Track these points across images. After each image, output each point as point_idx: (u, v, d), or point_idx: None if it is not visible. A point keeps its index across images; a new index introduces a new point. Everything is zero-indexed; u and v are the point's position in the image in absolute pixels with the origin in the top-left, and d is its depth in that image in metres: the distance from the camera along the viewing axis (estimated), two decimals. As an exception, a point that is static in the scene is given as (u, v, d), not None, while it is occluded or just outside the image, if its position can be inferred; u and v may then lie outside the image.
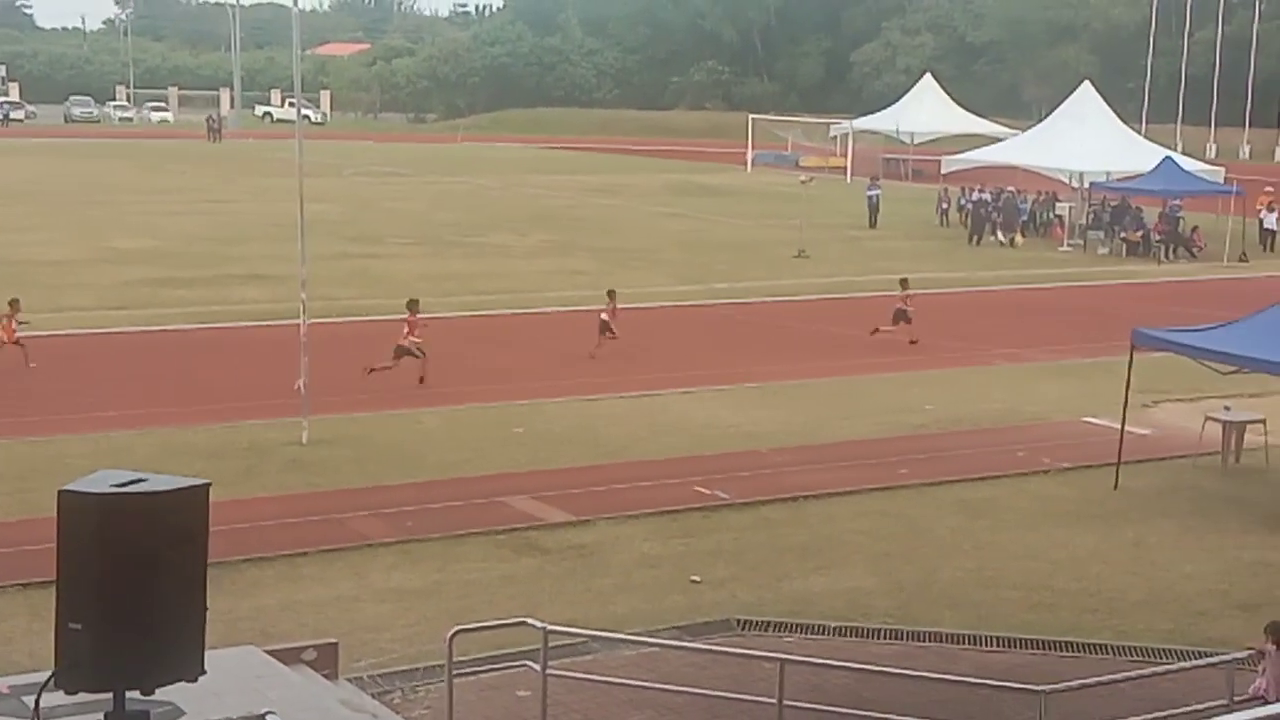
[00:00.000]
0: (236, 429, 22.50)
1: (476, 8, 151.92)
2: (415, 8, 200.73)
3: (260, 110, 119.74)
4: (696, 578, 16.72)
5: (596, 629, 14.40)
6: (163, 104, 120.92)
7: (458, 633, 12.14)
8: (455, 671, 12.16)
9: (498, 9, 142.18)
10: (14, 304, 26.61)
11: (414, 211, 54.58)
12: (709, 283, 38.47)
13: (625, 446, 22.31)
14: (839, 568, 17.31)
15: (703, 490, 20.00)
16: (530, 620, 12.05)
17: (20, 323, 26.56)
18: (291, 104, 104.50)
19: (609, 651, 14.41)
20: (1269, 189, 50.95)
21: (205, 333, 30.70)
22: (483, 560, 17.15)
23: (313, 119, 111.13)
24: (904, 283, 31.23)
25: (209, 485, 6.55)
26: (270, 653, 10.24)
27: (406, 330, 26.07)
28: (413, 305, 26.46)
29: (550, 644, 12.03)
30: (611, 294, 29.19)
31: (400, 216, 52.69)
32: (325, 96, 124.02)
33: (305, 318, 22.42)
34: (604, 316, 28.72)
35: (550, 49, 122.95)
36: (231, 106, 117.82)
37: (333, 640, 11.12)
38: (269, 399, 23.67)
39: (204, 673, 6.56)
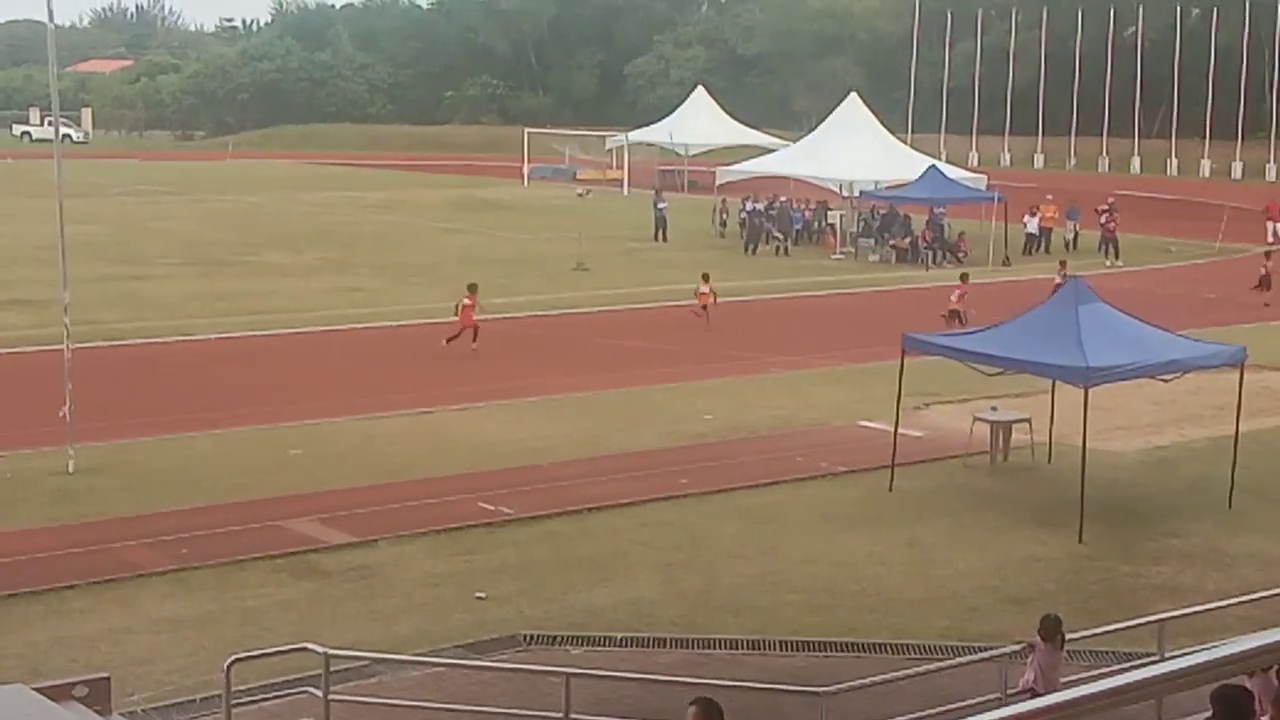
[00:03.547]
0: (-1, 460, 21.68)
1: (244, 22, 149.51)
2: (180, 22, 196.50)
3: (18, 129, 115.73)
4: (481, 594, 16.61)
5: (379, 651, 14.21)
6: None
7: (235, 661, 11.87)
8: (234, 701, 11.89)
9: (265, 24, 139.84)
10: None
11: (183, 231, 53.30)
12: (488, 297, 38.23)
13: (406, 465, 22.07)
14: (624, 579, 17.36)
15: (486, 506, 19.89)
16: (311, 645, 11.84)
17: None
18: (51, 123, 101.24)
19: (393, 673, 14.23)
20: (1049, 198, 52.65)
21: (-36, 361, 29.54)
22: (261, 586, 16.78)
23: (74, 138, 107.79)
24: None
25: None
26: (39, 690, 9.84)
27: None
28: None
29: (332, 668, 11.83)
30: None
31: (169, 236, 51.41)
32: (87, 114, 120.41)
33: (69, 343, 21.72)
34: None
35: (321, 64, 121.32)
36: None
37: (105, 675, 10.68)
38: (32, 428, 22.85)
39: (-34, 715, 6.26)
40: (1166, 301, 35.55)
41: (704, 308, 34.04)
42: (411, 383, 27.82)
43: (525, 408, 25.99)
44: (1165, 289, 38.19)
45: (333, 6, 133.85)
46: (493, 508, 19.83)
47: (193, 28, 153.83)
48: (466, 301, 30.85)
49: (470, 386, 27.37)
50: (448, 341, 30.47)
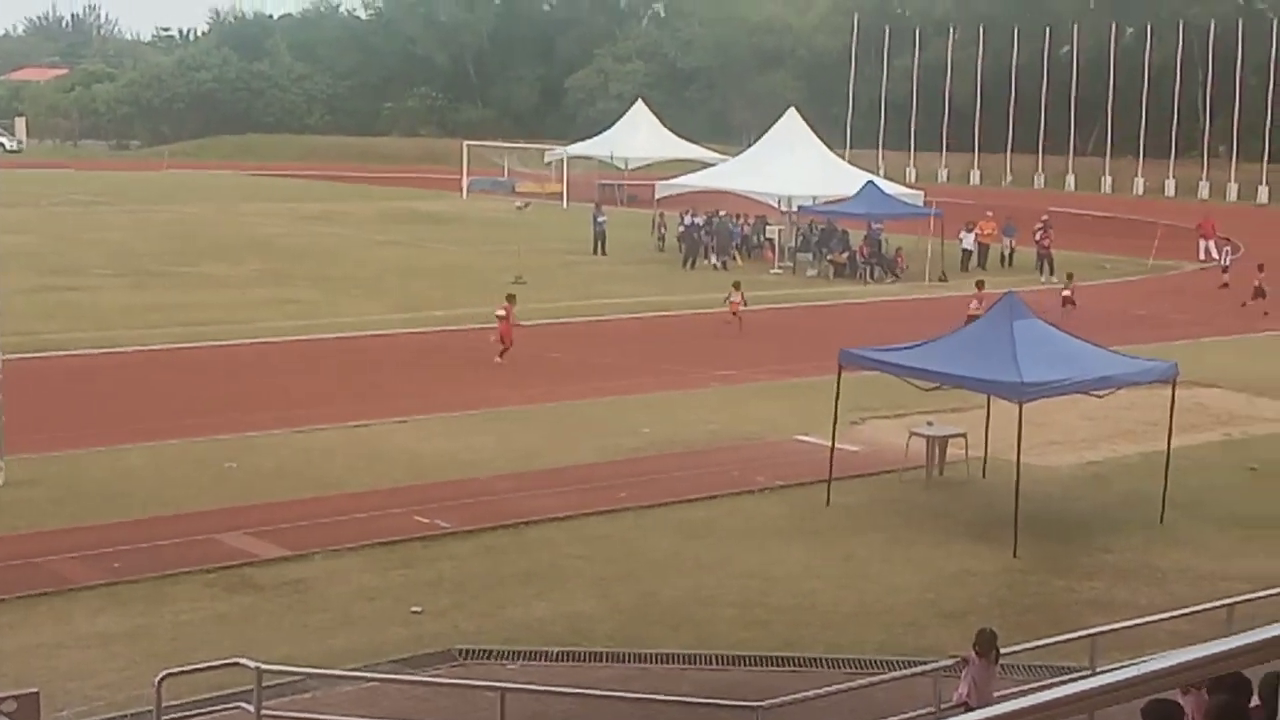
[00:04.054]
0: (-73, 472, 21.38)
1: (180, 32, 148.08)
2: (116, 31, 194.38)
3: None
4: (417, 608, 16.53)
5: (313, 666, 14.11)
6: None
7: (167, 676, 11.76)
8: (164, 716, 11.78)
9: (202, 33, 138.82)
10: None
11: (118, 241, 52.81)
12: (426, 310, 38.19)
13: (342, 478, 21.94)
14: (560, 593, 17.32)
15: (422, 520, 19.80)
16: (243, 660, 11.74)
17: None
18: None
19: (327, 689, 14.13)
20: (989, 214, 52.97)
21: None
22: (194, 600, 16.63)
23: (8, 147, 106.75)
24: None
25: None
26: (-36, 707, 9.74)
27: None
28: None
29: (265, 683, 11.74)
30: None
31: (104, 247, 50.92)
32: (21, 124, 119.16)
33: (1, 354, 21.46)
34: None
35: (258, 74, 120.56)
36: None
37: (34, 690, 10.65)
38: (-38, 440, 22.53)
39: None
40: (1100, 317, 35.87)
41: (735, 314, 35.53)
42: (348, 395, 27.68)
43: (462, 421, 25.90)
44: (1099, 305, 38.52)
45: (270, 17, 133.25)
46: (429, 521, 19.74)
47: (129, 37, 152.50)
48: (501, 313, 31.32)
49: (407, 399, 27.25)
50: (500, 357, 30.82)
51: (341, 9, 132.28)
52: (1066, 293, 37.96)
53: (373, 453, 23.41)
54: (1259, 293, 40.36)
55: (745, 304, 35.99)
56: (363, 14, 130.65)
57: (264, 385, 28.83)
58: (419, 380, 29.49)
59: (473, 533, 19.43)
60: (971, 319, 33.08)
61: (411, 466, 22.58)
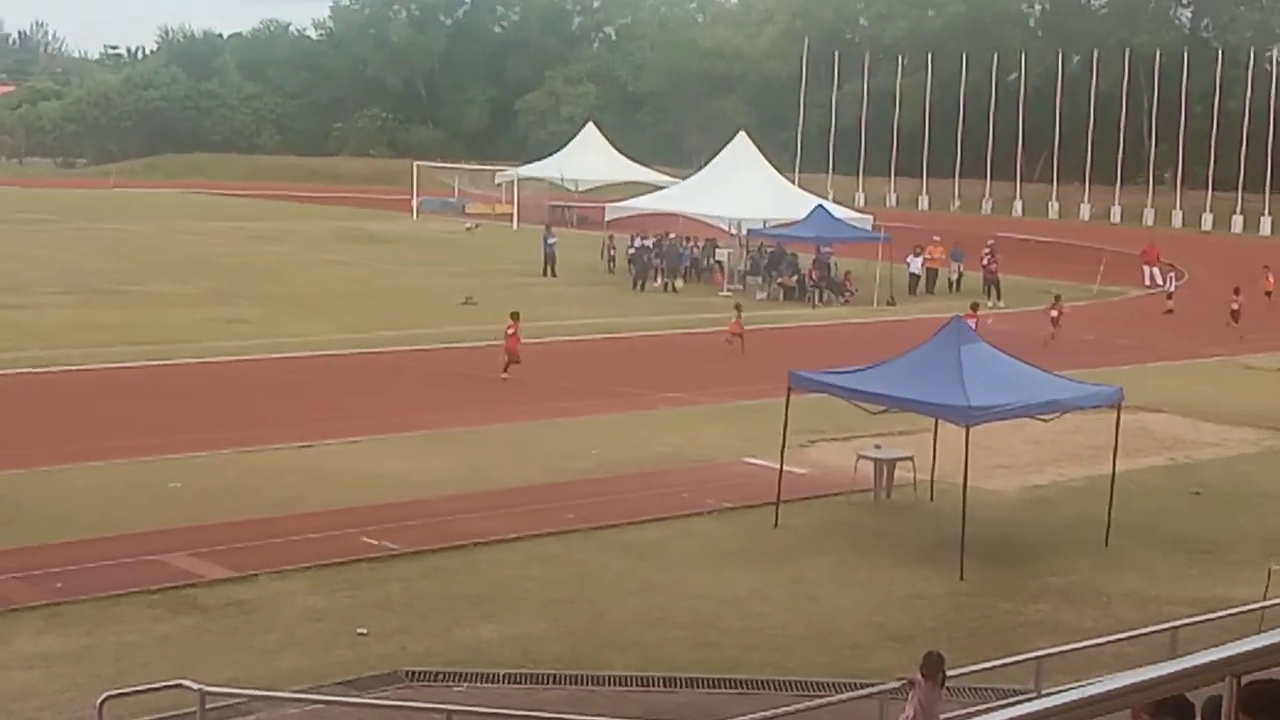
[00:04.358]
0: None
1: (129, 50, 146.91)
2: (63, 49, 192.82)
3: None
4: (363, 630, 16.44)
5: (258, 688, 14.00)
6: None
7: (109, 698, 11.64)
8: (107, 739, 11.62)
9: (151, 51, 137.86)
10: None
11: (64, 259, 52.39)
12: (374, 330, 38.06)
13: (289, 499, 21.80)
14: (509, 615, 17.26)
15: (370, 541, 19.70)
16: (186, 682, 11.64)
17: None
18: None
19: (271, 710, 14.02)
20: (937, 238, 53.31)
21: None
22: (138, 621, 16.48)
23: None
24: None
25: None
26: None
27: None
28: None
29: (208, 705, 11.63)
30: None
31: (49, 265, 50.50)
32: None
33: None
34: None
35: (207, 93, 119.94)
36: None
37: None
38: (-97, 458, 22.30)
39: None
40: (1046, 342, 36.13)
41: (738, 336, 36.60)
42: (295, 416, 27.53)
43: (411, 442, 25.80)
44: (1046, 330, 38.81)
45: (220, 35, 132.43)
46: (376, 542, 19.65)
47: (76, 54, 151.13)
48: (510, 330, 31.82)
49: (355, 420, 27.13)
50: (505, 371, 31.46)
51: (291, 28, 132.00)
52: (1054, 313, 39.47)
53: (320, 473, 23.29)
54: (1235, 316, 41.07)
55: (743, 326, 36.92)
56: (313, 34, 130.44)
57: (210, 405, 28.63)
58: (368, 401, 29.36)
59: (421, 554, 19.35)
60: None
61: (359, 487, 22.46)
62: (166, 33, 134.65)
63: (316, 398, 29.63)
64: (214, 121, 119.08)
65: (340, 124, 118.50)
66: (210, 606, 17.06)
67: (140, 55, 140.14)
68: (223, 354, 33.95)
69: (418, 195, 77.67)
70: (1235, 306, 41.70)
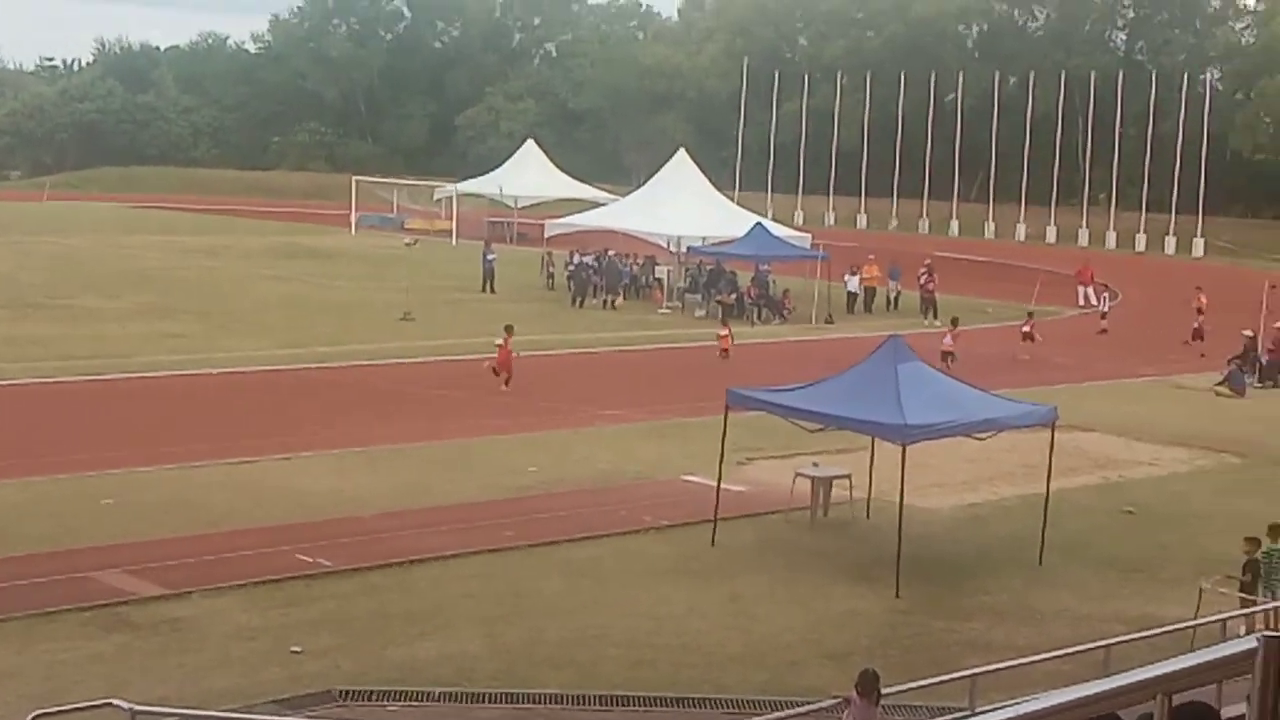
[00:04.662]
0: None
1: (64, 62, 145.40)
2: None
3: None
4: (297, 648, 16.31)
5: (189, 707, 13.86)
6: None
7: (39, 716, 11.49)
8: (36, 759, 11.47)
9: (87, 64, 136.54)
10: None
11: (-3, 272, 51.80)
12: (312, 346, 37.83)
13: (224, 516, 21.62)
14: (445, 632, 17.18)
15: (304, 558, 19.56)
16: (117, 701, 11.51)
17: None
18: None
19: (204, 730, 13.86)
20: (872, 257, 53.59)
21: None
22: (69, 639, 16.28)
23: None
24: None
25: None
26: None
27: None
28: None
29: (140, 725, 11.49)
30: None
31: (-19, 277, 49.91)
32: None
33: None
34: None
35: (144, 106, 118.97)
36: None
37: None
38: None
39: None
40: (982, 361, 36.38)
41: (725, 350, 38.01)
42: (231, 432, 27.30)
43: (347, 458, 25.64)
44: (981, 349, 39.10)
45: (157, 48, 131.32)
46: (311, 560, 19.51)
47: (11, 66, 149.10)
48: (500, 342, 32.90)
49: (292, 436, 26.95)
50: (505, 385, 32.37)
51: (230, 42, 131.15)
52: (1026, 329, 40.85)
53: (256, 490, 23.11)
54: (1198, 334, 41.65)
55: (733, 339, 38.69)
56: (251, 47, 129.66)
57: (144, 420, 28.37)
58: (304, 417, 29.18)
59: (356, 571, 19.23)
60: (946, 354, 36.49)
61: (296, 504, 22.31)
62: (103, 45, 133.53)
63: (253, 414, 29.41)
64: (151, 134, 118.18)
65: (278, 138, 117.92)
66: (142, 624, 16.88)
67: (76, 67, 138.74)
68: (158, 369, 33.65)
69: (356, 210, 77.34)
70: (1197, 324, 42.35)
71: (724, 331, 39.14)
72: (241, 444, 26.04)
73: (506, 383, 32.45)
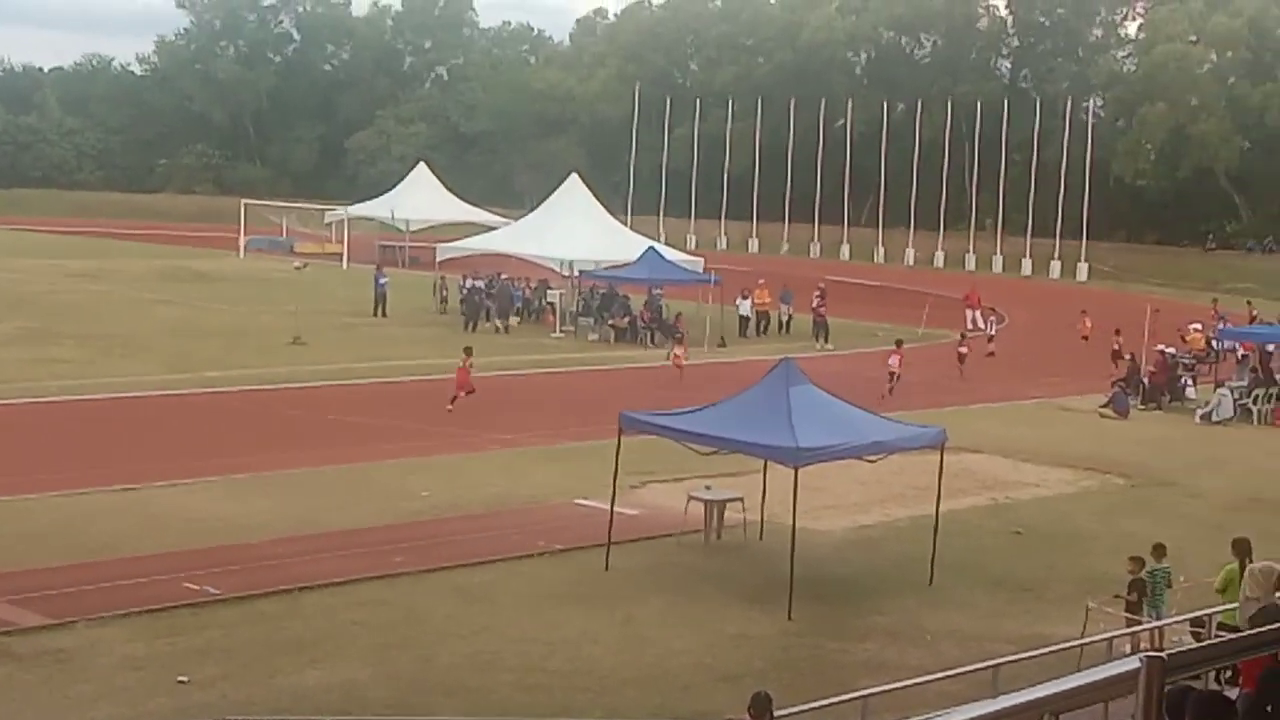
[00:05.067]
0: None
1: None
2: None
3: None
4: (184, 678, 16.06)
5: (73, 739, 13.58)
6: None
7: (-86, 754, 11.18)
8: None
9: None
10: None
11: (-128, 296, 50.57)
12: (199, 371, 37.32)
13: (110, 543, 21.25)
14: (335, 660, 17.00)
15: (191, 586, 19.27)
16: (-2, 735, 11.24)
17: None
18: None
19: (88, 763, 13.60)
20: (762, 281, 53.89)
21: None
22: (-53, 672, 15.89)
23: None
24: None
25: None
26: None
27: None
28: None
29: (20, 759, 11.24)
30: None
31: None
32: None
33: None
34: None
35: (26, 128, 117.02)
36: None
37: None
38: None
39: None
40: (873, 384, 36.70)
41: (678, 367, 39.14)
42: (117, 458, 26.85)
43: (236, 484, 25.31)
44: (872, 372, 39.43)
45: (40, 70, 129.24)
46: (198, 588, 19.22)
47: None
48: (460, 364, 33.61)
49: (179, 462, 26.54)
50: (451, 404, 32.82)
51: (115, 64, 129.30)
52: (963, 349, 41.98)
53: (142, 517, 22.73)
54: (1117, 356, 42.34)
55: (686, 357, 39.96)
56: (137, 69, 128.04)
57: (26, 447, 27.82)
58: (193, 442, 28.76)
59: (244, 599, 18.97)
60: (893, 376, 37.83)
61: (183, 531, 21.97)
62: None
63: (140, 439, 28.95)
64: (34, 157, 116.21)
65: (165, 160, 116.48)
66: (25, 655, 16.53)
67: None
68: (40, 395, 33.03)
69: (245, 233, 76.54)
70: (1116, 346, 43.11)
71: (679, 350, 40.55)
72: (127, 470, 25.62)
73: (453, 400, 32.94)
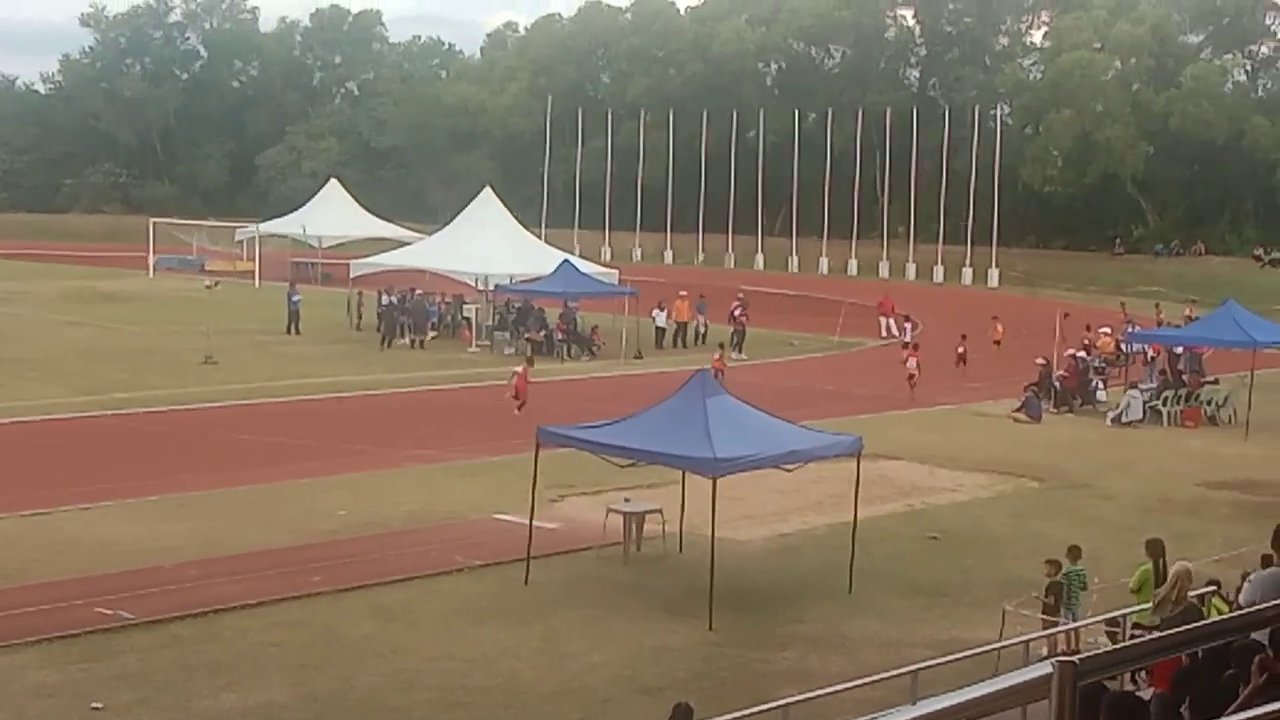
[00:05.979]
0: None
1: None
2: None
3: None
4: (98, 705, 15.83)
5: (-16, 770, 13.34)
6: None
7: None
8: None
9: None
10: None
11: None
12: (110, 392, 36.81)
13: (18, 569, 20.91)
14: (252, 682, 16.81)
15: (105, 611, 18.99)
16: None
17: None
18: None
19: (-1, 794, 13.36)
20: (683, 293, 53.97)
21: None
22: None
23: None
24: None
25: None
26: None
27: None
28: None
29: (-71, 793, 11.01)
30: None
31: None
32: None
33: None
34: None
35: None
36: None
37: None
38: None
39: None
40: (788, 393, 36.87)
41: (721, 371, 37.35)
42: (24, 483, 26.41)
43: (148, 507, 24.97)
44: (787, 381, 39.63)
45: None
46: (111, 612, 18.94)
47: None
48: (518, 370, 36.04)
49: (88, 486, 26.13)
50: (519, 410, 33.99)
51: (19, 83, 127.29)
52: (912, 373, 41.22)
53: (51, 542, 22.37)
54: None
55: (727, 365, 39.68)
56: (41, 88, 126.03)
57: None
58: (102, 466, 28.36)
59: (159, 623, 18.73)
60: (912, 378, 39.69)
61: (93, 555, 21.65)
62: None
63: (47, 463, 28.51)
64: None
65: (71, 180, 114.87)
66: (-68, 686, 16.21)
67: None
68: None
69: (154, 253, 75.63)
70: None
71: (718, 354, 40.95)
72: (36, 494, 25.21)
73: (520, 408, 34.33)
